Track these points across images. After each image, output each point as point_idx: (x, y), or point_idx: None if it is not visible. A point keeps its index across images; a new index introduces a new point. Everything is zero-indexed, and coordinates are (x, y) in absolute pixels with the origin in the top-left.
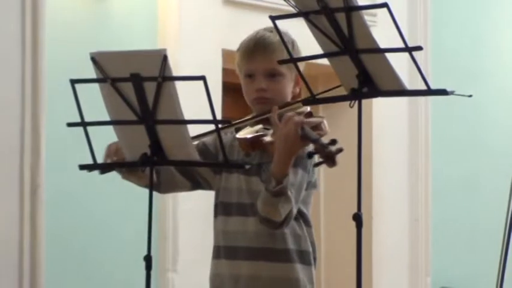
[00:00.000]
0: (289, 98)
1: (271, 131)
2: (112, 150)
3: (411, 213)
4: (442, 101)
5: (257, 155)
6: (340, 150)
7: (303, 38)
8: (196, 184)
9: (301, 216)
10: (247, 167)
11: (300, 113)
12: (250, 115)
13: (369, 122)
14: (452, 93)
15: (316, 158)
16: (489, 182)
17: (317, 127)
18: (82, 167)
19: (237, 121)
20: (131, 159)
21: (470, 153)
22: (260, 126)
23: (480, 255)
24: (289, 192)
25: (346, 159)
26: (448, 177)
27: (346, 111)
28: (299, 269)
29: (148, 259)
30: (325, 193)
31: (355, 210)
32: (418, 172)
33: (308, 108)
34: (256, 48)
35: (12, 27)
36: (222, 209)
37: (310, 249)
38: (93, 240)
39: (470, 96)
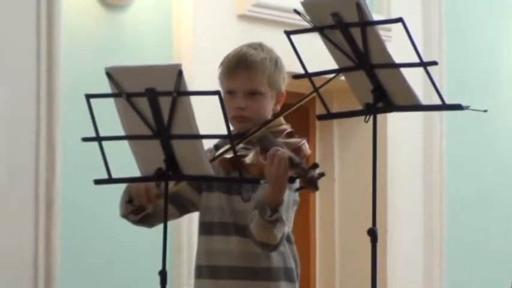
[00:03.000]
0: (269, 116)
1: (252, 152)
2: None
3: (426, 227)
4: (457, 115)
5: (237, 174)
6: (321, 175)
7: (318, 52)
8: (184, 210)
9: None
10: (262, 182)
11: (280, 132)
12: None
13: (383, 136)
14: (467, 108)
15: (298, 183)
16: (504, 196)
17: (298, 149)
18: (97, 182)
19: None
20: (146, 174)
21: (485, 167)
22: (240, 145)
23: (495, 270)
24: (283, 217)
25: (360, 174)
26: (463, 192)
27: (361, 126)
28: (283, 286)
29: (163, 274)
30: (339, 208)
31: (369, 224)
32: (433, 187)
33: (289, 127)
34: (238, 66)
35: (27, 42)
36: (204, 228)
37: (293, 266)
38: (108, 255)
39: (486, 111)
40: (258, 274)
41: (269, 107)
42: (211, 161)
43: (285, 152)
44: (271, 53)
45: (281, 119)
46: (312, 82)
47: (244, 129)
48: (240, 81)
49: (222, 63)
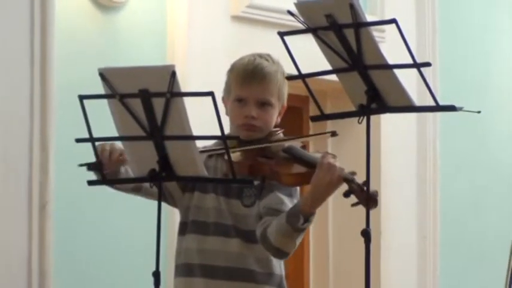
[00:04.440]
0: (272, 128)
1: (272, 161)
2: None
3: (419, 229)
4: (450, 116)
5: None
6: (376, 192)
7: (312, 53)
8: (170, 203)
9: None
10: (255, 183)
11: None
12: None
13: (377, 138)
14: (461, 109)
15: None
16: (498, 198)
17: None
18: (90, 183)
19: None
20: (140, 174)
21: (479, 169)
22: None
23: (489, 272)
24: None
25: None
26: (457, 194)
27: (355, 127)
28: None
29: (156, 275)
30: (333, 209)
31: (363, 226)
32: (427, 188)
33: (299, 142)
34: (253, 75)
35: (20, 43)
36: (194, 227)
37: (284, 274)
38: (101, 256)
39: (479, 112)
40: (256, 277)
41: (275, 118)
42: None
43: (340, 166)
44: (279, 65)
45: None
46: (305, 83)
47: (250, 138)
48: (254, 91)
49: (233, 70)
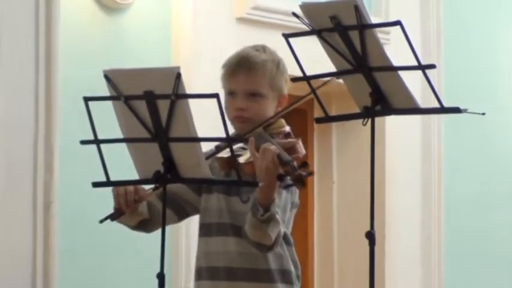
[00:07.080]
0: None
1: (247, 152)
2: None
3: (424, 231)
4: (455, 118)
5: (235, 174)
6: (309, 173)
7: (317, 55)
8: (183, 214)
9: (283, 236)
10: (260, 184)
11: (281, 133)
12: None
13: (381, 139)
14: (465, 111)
15: (288, 180)
16: (503, 199)
17: (292, 149)
18: (95, 185)
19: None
20: (144, 177)
21: (483, 170)
22: (239, 145)
23: (493, 273)
24: (277, 216)
25: (359, 177)
26: (461, 195)
27: (360, 129)
28: None
29: (161, 276)
30: (337, 211)
31: (367, 228)
32: (431, 190)
33: (287, 128)
34: (239, 67)
35: (25, 44)
36: (203, 230)
37: (292, 269)
38: (106, 257)
39: (483, 114)
40: (255, 275)
41: (270, 109)
42: (207, 158)
43: (276, 149)
44: (273, 55)
45: (282, 121)
46: (310, 85)
47: (244, 130)
48: (240, 82)
49: (224, 65)
